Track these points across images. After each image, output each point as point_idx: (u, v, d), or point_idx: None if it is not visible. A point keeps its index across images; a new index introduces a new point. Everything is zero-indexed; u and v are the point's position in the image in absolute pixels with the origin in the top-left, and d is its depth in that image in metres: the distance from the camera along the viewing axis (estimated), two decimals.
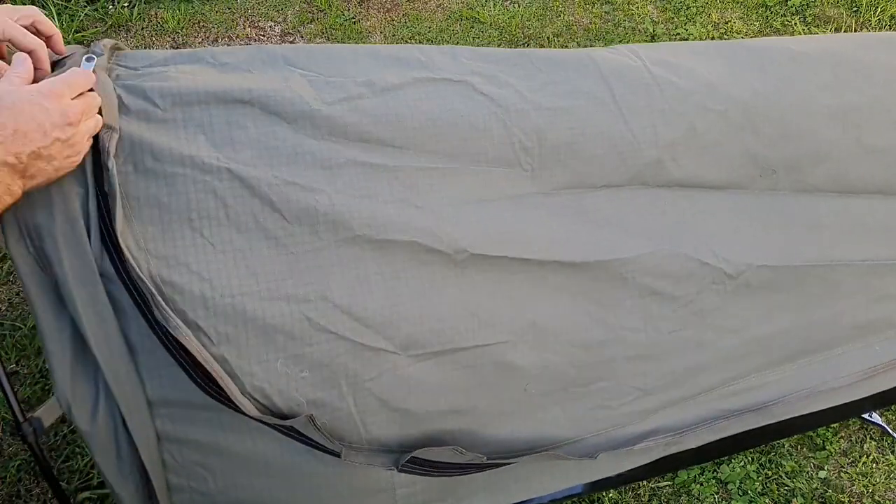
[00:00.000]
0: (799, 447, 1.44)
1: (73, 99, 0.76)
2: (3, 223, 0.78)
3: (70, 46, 0.89)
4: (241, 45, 2.01)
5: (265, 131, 0.88)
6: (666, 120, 1.07)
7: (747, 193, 1.14)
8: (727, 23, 2.22)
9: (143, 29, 2.02)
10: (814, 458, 1.43)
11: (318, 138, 0.90)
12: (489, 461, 0.97)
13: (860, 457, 1.43)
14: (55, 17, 1.92)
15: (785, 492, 1.38)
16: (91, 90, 0.79)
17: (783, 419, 1.21)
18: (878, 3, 2.27)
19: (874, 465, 1.43)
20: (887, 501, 1.38)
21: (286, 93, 0.90)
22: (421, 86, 0.98)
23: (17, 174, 0.70)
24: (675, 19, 2.21)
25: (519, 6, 2.19)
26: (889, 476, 1.41)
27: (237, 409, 0.83)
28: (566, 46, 2.12)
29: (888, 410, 1.49)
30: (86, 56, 0.84)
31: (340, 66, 0.97)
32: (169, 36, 2.01)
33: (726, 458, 1.39)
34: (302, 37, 2.05)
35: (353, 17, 2.10)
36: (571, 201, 1.04)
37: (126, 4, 2.04)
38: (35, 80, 0.77)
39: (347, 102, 0.93)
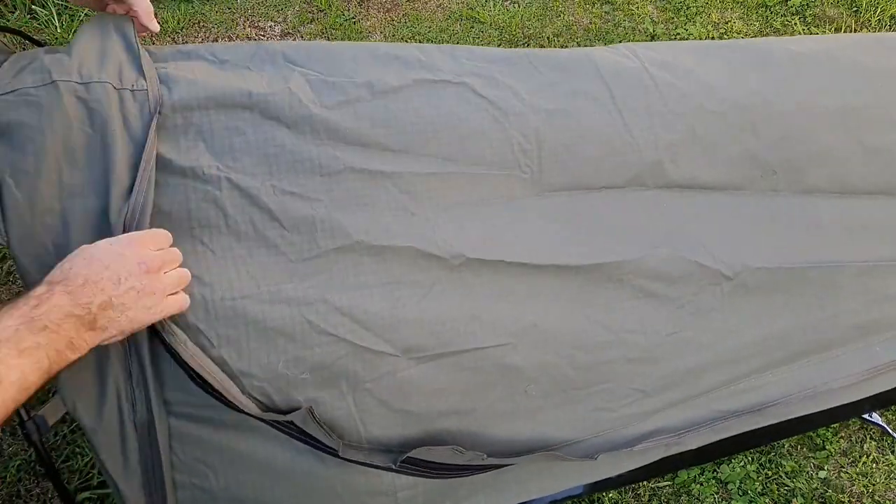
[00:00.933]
0: (799, 447, 1.44)
1: (155, 250, 0.75)
2: (8, 225, 0.78)
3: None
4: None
5: (265, 137, 0.89)
6: (665, 121, 1.07)
7: (747, 194, 1.14)
8: (727, 23, 2.22)
9: None
10: (814, 458, 1.43)
11: (317, 144, 0.91)
12: (488, 461, 0.97)
13: (860, 457, 1.43)
14: (55, 16, 1.92)
15: (785, 492, 1.38)
16: (172, 246, 0.79)
17: (783, 420, 1.21)
18: (878, 3, 2.27)
19: (874, 465, 1.43)
20: (887, 501, 1.39)
21: (286, 95, 0.90)
22: (420, 88, 0.98)
23: (85, 326, 0.67)
24: (675, 19, 2.21)
25: (519, 6, 2.19)
26: (889, 476, 1.42)
27: (237, 408, 0.83)
28: (566, 46, 2.12)
29: (888, 410, 1.49)
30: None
31: (340, 65, 0.97)
32: (169, 36, 2.01)
33: (726, 458, 1.39)
34: (302, 37, 2.05)
35: (353, 17, 2.10)
36: (570, 203, 1.04)
37: None
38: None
39: (347, 106, 0.93)
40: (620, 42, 2.12)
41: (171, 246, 0.79)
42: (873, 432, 1.47)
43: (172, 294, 0.77)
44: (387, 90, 0.96)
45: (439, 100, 0.98)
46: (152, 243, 0.76)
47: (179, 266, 0.79)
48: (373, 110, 0.94)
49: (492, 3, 2.18)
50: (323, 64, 0.96)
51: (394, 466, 0.91)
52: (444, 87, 0.99)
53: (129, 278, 0.70)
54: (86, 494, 1.29)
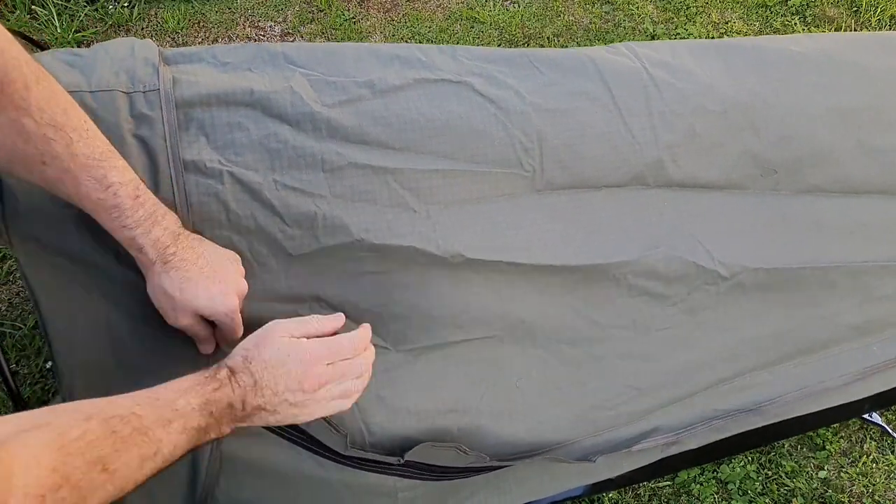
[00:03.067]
0: (799, 447, 1.44)
1: (329, 364, 0.75)
2: (8, 222, 0.78)
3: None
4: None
5: (267, 133, 0.88)
6: (665, 121, 1.08)
7: (748, 194, 1.15)
8: (727, 23, 2.22)
9: (142, 29, 2.02)
10: (814, 458, 1.43)
11: (320, 140, 0.90)
12: (491, 463, 0.97)
13: (860, 457, 1.43)
14: (55, 16, 1.92)
15: (785, 492, 1.39)
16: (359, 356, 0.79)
17: (782, 419, 1.21)
18: (878, 3, 2.27)
19: (874, 465, 1.43)
20: (887, 501, 1.39)
21: (287, 94, 0.90)
22: (421, 87, 0.98)
23: (235, 420, 0.68)
24: (675, 19, 2.21)
25: (519, 6, 2.19)
26: (889, 476, 1.42)
27: None
28: (566, 46, 2.12)
29: (888, 410, 1.49)
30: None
31: (341, 65, 0.97)
32: (169, 36, 2.01)
33: (726, 458, 1.40)
34: (302, 37, 2.05)
35: (353, 17, 2.10)
36: (570, 202, 1.04)
37: (126, 4, 2.04)
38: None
39: (348, 105, 0.93)
40: (620, 42, 2.13)
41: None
42: (873, 432, 1.47)
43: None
44: (388, 89, 0.96)
45: (440, 99, 0.98)
46: (331, 356, 0.76)
47: (359, 377, 0.79)
48: (374, 109, 0.94)
49: (492, 3, 2.18)
50: (324, 64, 0.96)
51: (397, 464, 0.91)
52: (444, 87, 0.99)
53: (284, 392, 0.71)
54: None
